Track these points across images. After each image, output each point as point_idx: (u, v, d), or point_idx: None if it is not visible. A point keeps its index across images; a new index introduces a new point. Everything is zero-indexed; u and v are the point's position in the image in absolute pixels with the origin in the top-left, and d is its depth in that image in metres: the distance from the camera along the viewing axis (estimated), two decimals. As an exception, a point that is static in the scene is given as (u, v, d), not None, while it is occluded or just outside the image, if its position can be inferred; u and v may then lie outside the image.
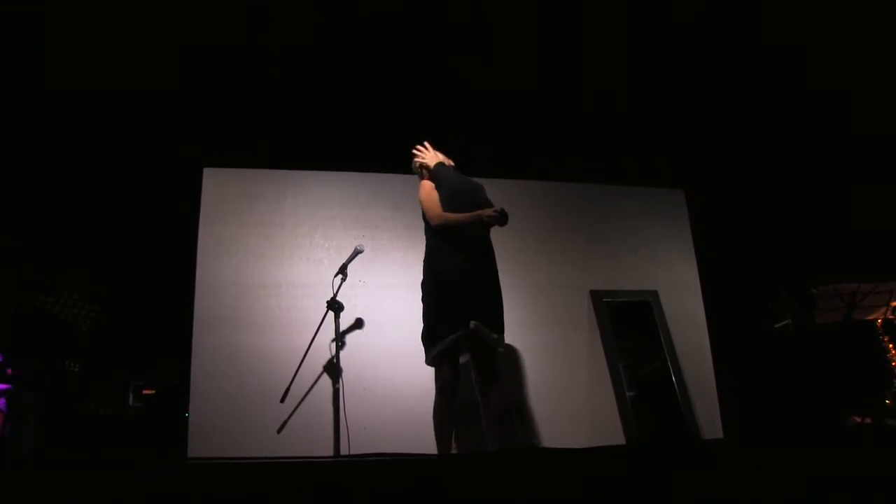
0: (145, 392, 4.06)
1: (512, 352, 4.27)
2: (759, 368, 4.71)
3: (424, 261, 3.49)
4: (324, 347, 3.95)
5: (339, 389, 3.85)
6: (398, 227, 4.45)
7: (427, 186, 3.56)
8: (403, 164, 3.88)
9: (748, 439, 4.30)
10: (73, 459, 3.67)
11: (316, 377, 4.00)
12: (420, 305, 3.48)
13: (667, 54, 4.59)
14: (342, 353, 3.92)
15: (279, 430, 3.88)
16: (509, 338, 3.78)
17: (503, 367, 4.19)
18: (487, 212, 3.32)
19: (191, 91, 4.43)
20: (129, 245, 4.41)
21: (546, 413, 4.28)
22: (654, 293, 4.72)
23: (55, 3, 3.84)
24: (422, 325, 3.43)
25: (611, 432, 4.22)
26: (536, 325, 4.44)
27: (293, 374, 3.77)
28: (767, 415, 4.42)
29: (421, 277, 3.51)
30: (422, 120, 4.50)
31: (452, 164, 3.72)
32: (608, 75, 4.77)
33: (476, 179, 3.76)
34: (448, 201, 3.46)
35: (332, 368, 3.93)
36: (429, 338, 3.32)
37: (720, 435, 4.40)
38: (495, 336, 3.29)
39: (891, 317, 4.32)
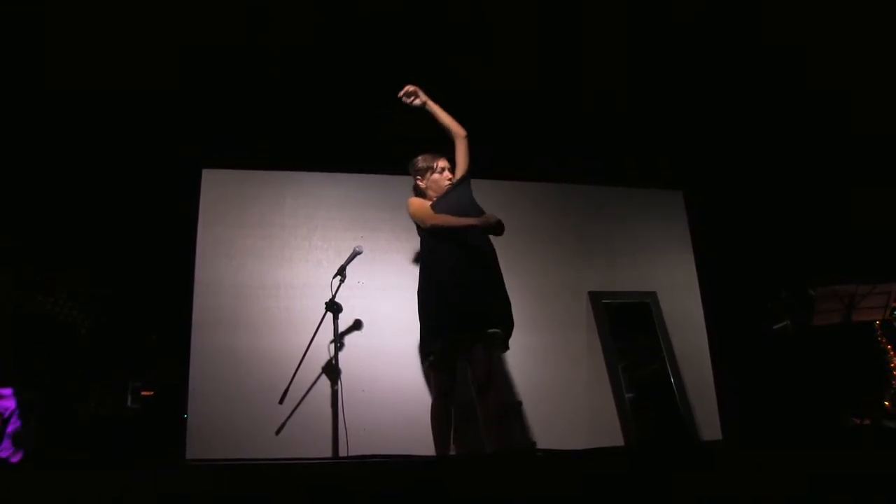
0: (143, 394, 4.05)
1: (511, 352, 4.26)
2: (758, 369, 4.71)
3: (419, 269, 3.53)
4: (322, 349, 3.95)
5: (337, 391, 3.86)
6: (397, 228, 4.44)
7: (415, 201, 3.60)
8: (403, 166, 3.88)
9: (747, 440, 4.30)
10: (73, 459, 3.68)
11: (314, 378, 3.99)
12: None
13: (667, 54, 4.59)
14: (341, 355, 3.92)
15: (278, 432, 3.88)
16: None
17: (501, 367, 4.20)
18: (484, 219, 3.35)
19: (191, 91, 4.43)
20: (128, 246, 4.40)
21: (545, 414, 4.28)
22: (653, 294, 4.72)
23: (55, 3, 3.84)
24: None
25: (610, 433, 4.22)
26: (535, 326, 4.44)
27: (292, 375, 3.77)
28: (766, 416, 4.42)
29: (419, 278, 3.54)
30: (422, 120, 4.49)
31: (450, 175, 3.69)
32: (608, 75, 4.77)
33: (476, 180, 3.76)
34: (441, 208, 3.52)
35: (331, 370, 3.93)
36: (421, 349, 3.40)
37: (719, 436, 4.40)
38: (490, 331, 3.30)
39: (889, 318, 4.32)
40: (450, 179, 3.64)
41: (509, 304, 3.48)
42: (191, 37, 4.13)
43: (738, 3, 4.22)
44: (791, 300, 4.63)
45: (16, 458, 3.47)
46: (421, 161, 3.70)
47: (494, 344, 3.38)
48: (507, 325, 3.41)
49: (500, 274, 3.51)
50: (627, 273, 4.78)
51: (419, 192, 3.72)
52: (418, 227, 3.58)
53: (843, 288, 4.24)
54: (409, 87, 3.59)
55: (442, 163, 3.68)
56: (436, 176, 3.65)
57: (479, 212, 3.53)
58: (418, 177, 3.70)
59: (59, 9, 3.85)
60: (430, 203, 3.58)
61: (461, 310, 3.28)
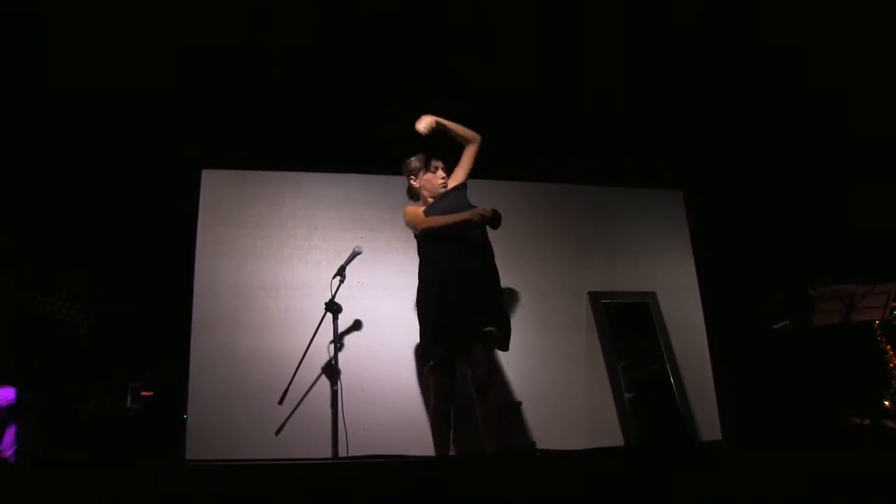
0: (143, 394, 4.06)
1: (510, 353, 4.26)
2: (758, 369, 4.71)
3: (417, 274, 3.54)
4: (322, 349, 3.95)
5: (337, 391, 3.86)
6: (396, 228, 4.42)
7: (410, 209, 3.60)
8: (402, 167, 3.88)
9: (747, 440, 4.30)
10: (73, 459, 3.68)
11: (314, 379, 3.99)
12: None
13: (666, 54, 4.59)
14: (340, 355, 3.92)
15: (277, 432, 3.88)
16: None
17: (500, 367, 4.20)
18: (477, 211, 3.32)
19: (191, 91, 4.43)
20: (128, 246, 4.40)
21: (544, 414, 4.28)
22: (653, 294, 4.72)
23: (55, 3, 3.84)
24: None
25: (609, 434, 4.22)
26: (535, 326, 4.44)
27: (291, 375, 3.77)
28: (766, 416, 4.42)
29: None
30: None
31: (444, 174, 3.65)
32: (608, 75, 4.77)
33: (476, 180, 3.75)
34: (435, 212, 3.51)
35: (331, 370, 3.93)
36: (421, 354, 3.40)
37: (719, 436, 4.40)
38: (488, 329, 3.29)
39: (889, 318, 4.32)
40: (444, 178, 3.62)
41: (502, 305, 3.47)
42: (191, 37, 4.13)
43: (738, 3, 4.22)
44: (791, 300, 4.63)
45: (10, 452, 3.47)
46: (414, 161, 3.68)
47: (493, 344, 3.36)
48: (506, 324, 3.40)
49: (497, 273, 3.49)
50: (627, 273, 4.78)
51: (413, 193, 3.71)
52: (415, 234, 3.58)
53: (843, 288, 4.23)
54: (428, 119, 3.50)
55: (435, 162, 3.65)
56: (429, 175, 3.63)
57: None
58: (412, 177, 3.68)
59: (59, 9, 3.85)
60: (423, 208, 3.58)
61: (460, 311, 3.26)
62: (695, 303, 4.81)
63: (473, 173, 3.69)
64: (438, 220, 3.44)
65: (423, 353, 3.43)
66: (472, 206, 3.52)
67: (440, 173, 3.63)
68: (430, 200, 3.60)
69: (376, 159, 4.55)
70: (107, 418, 4.02)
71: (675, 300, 4.75)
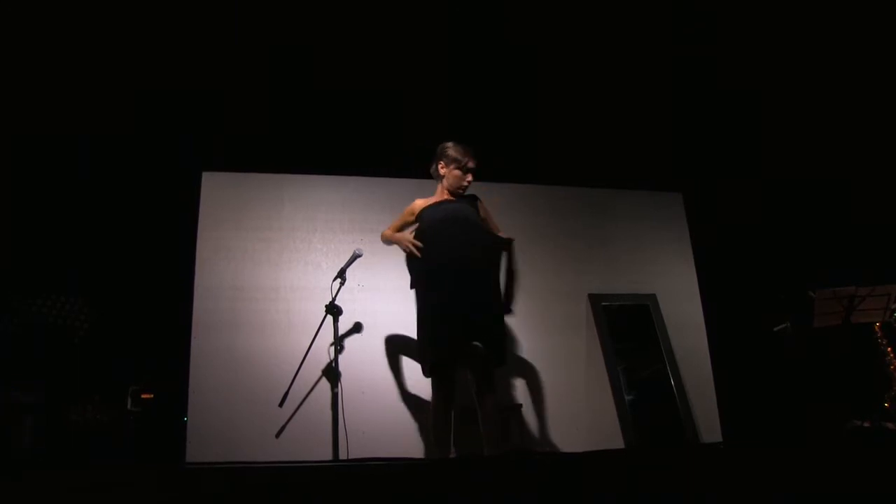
0: (143, 396, 4.05)
1: (511, 355, 4.27)
2: (758, 371, 4.70)
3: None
4: (322, 351, 3.95)
5: (337, 393, 3.86)
6: (397, 230, 4.44)
7: (416, 202, 3.65)
8: (403, 169, 3.87)
9: (747, 441, 4.30)
10: (72, 462, 3.68)
11: (315, 381, 3.99)
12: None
13: (665, 54, 4.60)
14: (341, 357, 3.92)
15: (278, 435, 3.88)
16: (508, 341, 3.78)
17: (500, 370, 4.19)
18: (408, 241, 3.48)
19: (190, 92, 4.43)
20: (129, 248, 4.40)
21: (545, 416, 4.28)
22: (653, 297, 4.72)
23: (55, 3, 3.85)
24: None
25: (610, 436, 4.21)
26: (535, 328, 4.44)
27: (292, 378, 3.77)
28: (766, 417, 4.42)
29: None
30: (421, 123, 4.50)
31: (471, 179, 3.57)
32: (607, 76, 4.77)
33: (476, 183, 3.75)
34: (423, 236, 3.50)
35: (331, 372, 3.93)
36: (421, 357, 3.42)
37: (719, 437, 4.40)
38: (487, 334, 3.29)
39: (889, 320, 4.32)
40: (468, 183, 3.54)
41: (500, 310, 3.45)
42: (191, 37, 4.14)
43: (738, 3, 4.23)
44: (791, 302, 4.63)
45: None
46: (452, 149, 3.52)
47: (493, 347, 3.35)
48: (501, 331, 3.38)
49: (494, 277, 3.47)
50: (627, 275, 4.77)
51: (434, 174, 3.63)
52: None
53: (843, 290, 4.24)
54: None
55: (472, 163, 3.51)
56: (457, 171, 3.50)
57: (470, 226, 3.49)
58: (442, 161, 3.54)
59: (60, 9, 3.86)
60: (429, 202, 3.57)
61: (459, 313, 3.26)
62: (695, 305, 4.81)
63: (475, 176, 3.69)
64: (387, 237, 3.68)
65: (422, 359, 3.42)
66: (471, 219, 3.52)
67: (468, 177, 3.53)
68: (446, 195, 3.58)
69: (377, 162, 4.56)
70: (106, 421, 4.02)
71: (675, 302, 4.74)
